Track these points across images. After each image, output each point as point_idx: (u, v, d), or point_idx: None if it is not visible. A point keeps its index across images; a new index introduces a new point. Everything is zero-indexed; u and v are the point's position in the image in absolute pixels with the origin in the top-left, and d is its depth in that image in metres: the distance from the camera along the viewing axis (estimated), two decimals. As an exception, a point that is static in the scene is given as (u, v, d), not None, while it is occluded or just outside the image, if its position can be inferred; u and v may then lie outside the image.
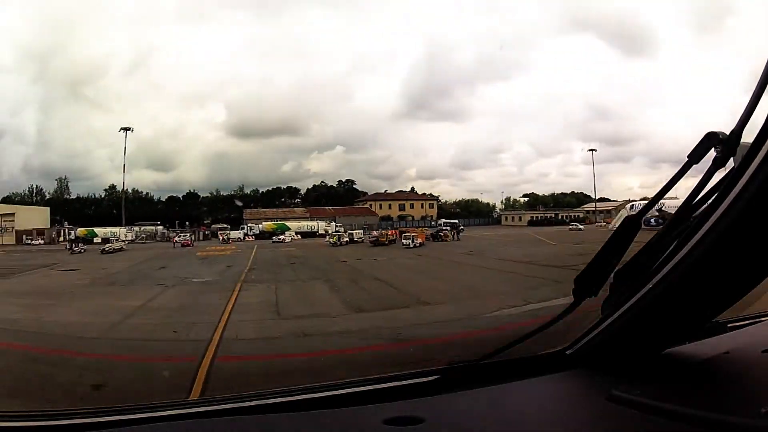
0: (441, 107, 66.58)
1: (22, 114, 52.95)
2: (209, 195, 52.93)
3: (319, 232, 41.58)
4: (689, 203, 1.47)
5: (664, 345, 1.70)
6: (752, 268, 1.34)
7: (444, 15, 66.53)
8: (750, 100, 1.31)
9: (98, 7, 56.62)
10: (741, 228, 1.25)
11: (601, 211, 50.05)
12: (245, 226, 42.92)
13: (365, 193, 53.77)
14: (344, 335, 11.32)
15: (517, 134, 63.68)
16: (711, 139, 1.40)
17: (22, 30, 50.47)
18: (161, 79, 59.56)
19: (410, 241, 32.30)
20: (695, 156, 1.44)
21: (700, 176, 1.44)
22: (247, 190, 53.85)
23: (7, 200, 44.47)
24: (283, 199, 54.00)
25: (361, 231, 37.88)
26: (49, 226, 42.90)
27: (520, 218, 52.89)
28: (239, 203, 48.84)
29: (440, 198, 56.15)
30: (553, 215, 52.49)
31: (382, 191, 53.76)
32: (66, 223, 43.48)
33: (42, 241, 40.05)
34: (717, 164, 1.39)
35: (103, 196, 49.72)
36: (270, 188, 54.59)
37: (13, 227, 40.43)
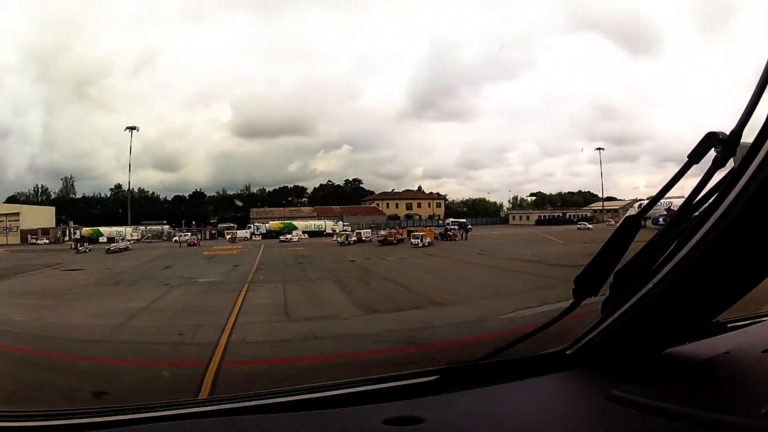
0: (446, 107, 66.32)
1: (27, 114, 53.64)
2: (216, 194, 52.82)
3: (327, 231, 41.32)
4: (689, 203, 1.48)
5: (664, 345, 1.70)
6: (752, 268, 1.35)
7: (449, 14, 66.80)
8: (750, 100, 1.31)
9: (104, 7, 57.14)
10: (741, 228, 1.26)
11: (608, 210, 49.71)
12: (252, 226, 42.63)
13: (372, 192, 53.53)
14: (357, 338, 11.01)
15: (522, 134, 63.26)
16: (711, 139, 1.41)
17: (27, 30, 50.96)
18: (167, 79, 59.74)
19: (419, 241, 32.07)
20: (695, 156, 1.44)
21: (701, 176, 1.45)
22: (254, 190, 53.76)
23: (12, 200, 44.75)
24: (290, 198, 53.85)
25: (369, 230, 37.64)
26: (54, 226, 42.96)
27: (527, 217, 52.62)
28: (239, 203, 48.75)
29: (447, 197, 55.95)
30: (561, 214, 52.11)
31: (389, 190, 53.62)
32: (71, 223, 43.70)
33: (47, 241, 40.12)
34: (717, 164, 1.39)
35: (108, 196, 49.85)
36: (277, 187, 54.44)
37: (18, 227, 40.53)
